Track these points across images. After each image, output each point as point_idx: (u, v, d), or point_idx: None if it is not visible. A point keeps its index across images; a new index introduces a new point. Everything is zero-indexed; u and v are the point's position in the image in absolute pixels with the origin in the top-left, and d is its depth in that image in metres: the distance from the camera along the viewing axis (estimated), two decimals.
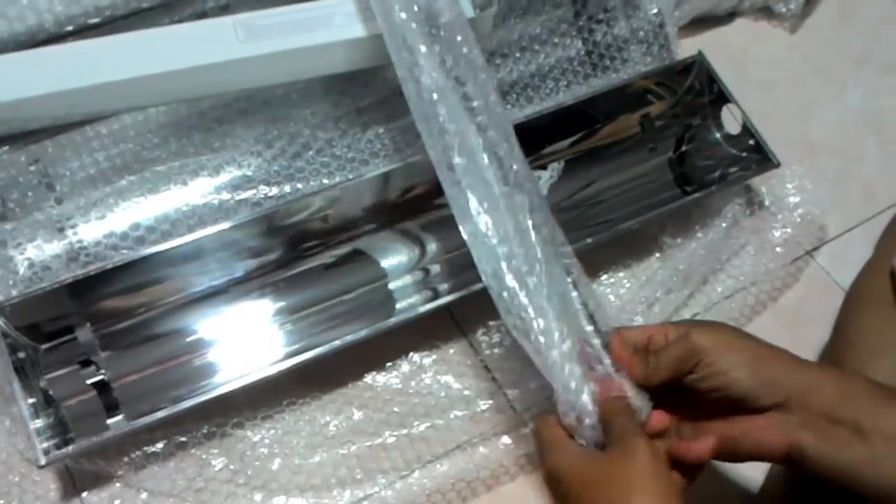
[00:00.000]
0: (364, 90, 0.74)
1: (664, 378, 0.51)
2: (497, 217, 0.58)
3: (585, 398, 0.50)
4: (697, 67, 0.77)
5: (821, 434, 0.48)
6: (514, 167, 0.61)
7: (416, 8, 0.63)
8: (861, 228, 0.79)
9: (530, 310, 0.54)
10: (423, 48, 0.62)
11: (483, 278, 0.57)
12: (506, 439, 0.68)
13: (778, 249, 0.76)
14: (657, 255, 0.76)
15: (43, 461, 0.59)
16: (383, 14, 0.63)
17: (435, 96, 0.61)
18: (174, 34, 0.67)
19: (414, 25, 0.63)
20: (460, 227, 0.58)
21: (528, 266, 0.56)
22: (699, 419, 0.53)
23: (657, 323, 0.55)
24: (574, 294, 0.57)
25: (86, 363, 0.66)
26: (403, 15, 0.63)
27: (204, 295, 0.69)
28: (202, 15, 0.71)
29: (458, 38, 0.63)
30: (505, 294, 0.55)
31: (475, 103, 0.62)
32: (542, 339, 0.53)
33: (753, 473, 0.67)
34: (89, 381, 0.65)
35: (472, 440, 0.67)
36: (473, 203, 0.58)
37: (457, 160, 0.60)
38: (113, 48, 0.65)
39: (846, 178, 0.83)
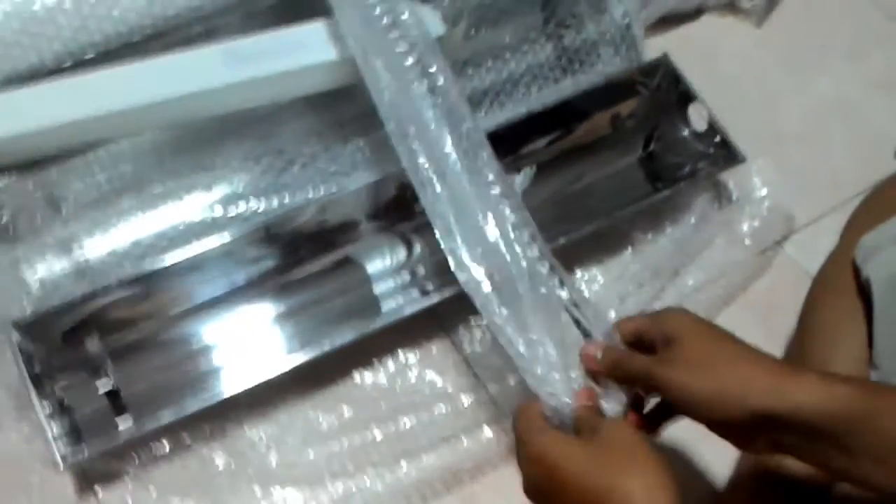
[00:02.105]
0: (344, 106, 0.81)
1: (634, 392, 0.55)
2: (475, 225, 0.64)
3: (567, 402, 0.54)
4: (663, 68, 0.84)
5: (801, 447, 0.50)
6: (490, 174, 0.66)
7: (382, 27, 0.70)
8: (829, 217, 0.85)
9: (513, 323, 0.59)
10: (390, 65, 0.69)
11: (465, 287, 0.62)
12: (488, 432, 0.75)
13: (747, 241, 0.83)
14: (629, 250, 0.83)
15: (61, 464, 0.67)
16: (352, 35, 0.70)
17: (405, 114, 0.67)
18: (164, 65, 0.74)
19: (380, 43, 0.69)
20: (438, 238, 0.64)
21: (510, 273, 0.62)
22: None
23: (644, 317, 0.57)
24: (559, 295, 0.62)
25: (96, 371, 0.74)
26: (370, 35, 0.69)
27: (202, 304, 0.78)
28: (189, 40, 0.78)
29: (425, 51, 0.69)
30: (487, 304, 0.60)
31: (446, 111, 0.68)
32: (525, 351, 0.58)
33: (721, 469, 0.73)
34: (100, 389, 0.73)
35: (455, 433, 0.75)
36: (450, 212, 0.64)
37: (431, 173, 0.66)
38: (107, 81, 0.72)
39: (813, 167, 0.89)
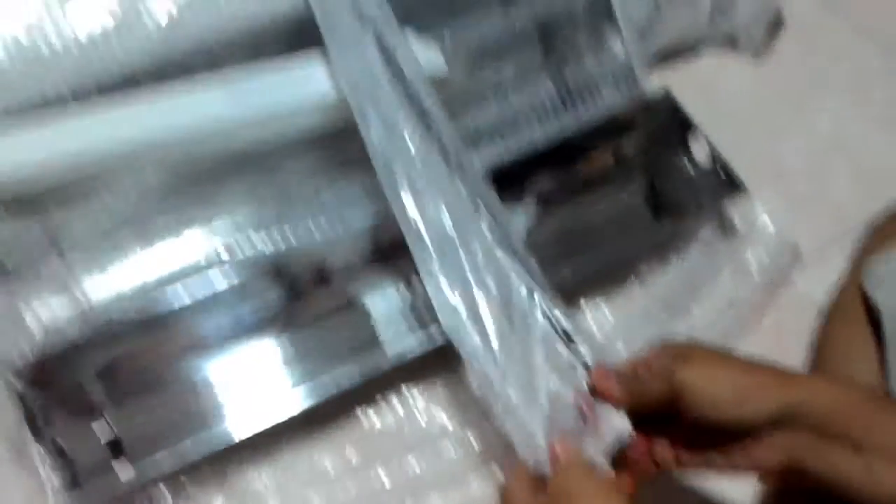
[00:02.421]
0: (349, 142, 0.80)
1: (649, 410, 0.54)
2: (463, 276, 0.64)
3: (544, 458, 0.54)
4: (664, 102, 0.85)
5: (816, 450, 0.51)
6: (483, 219, 0.67)
7: (375, 65, 0.71)
8: (836, 248, 0.85)
9: (497, 374, 0.59)
10: (381, 106, 0.69)
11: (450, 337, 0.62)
12: (499, 473, 0.73)
13: (754, 272, 0.83)
14: (637, 283, 0.82)
15: None
16: (345, 69, 0.72)
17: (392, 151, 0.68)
18: (166, 99, 0.74)
19: (375, 82, 0.70)
20: (422, 277, 0.65)
21: (499, 324, 0.62)
22: (698, 441, 0.55)
23: (642, 352, 0.57)
24: (553, 334, 0.62)
25: (96, 417, 0.72)
26: (363, 73, 0.70)
27: (205, 345, 0.76)
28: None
29: (420, 93, 0.70)
30: (473, 357, 0.61)
31: (440, 151, 0.69)
32: (506, 399, 0.58)
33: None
34: (98, 433, 0.71)
35: (464, 472, 0.73)
36: (436, 254, 0.64)
37: (419, 222, 0.66)
38: (110, 113, 0.72)
39: (818, 199, 0.90)
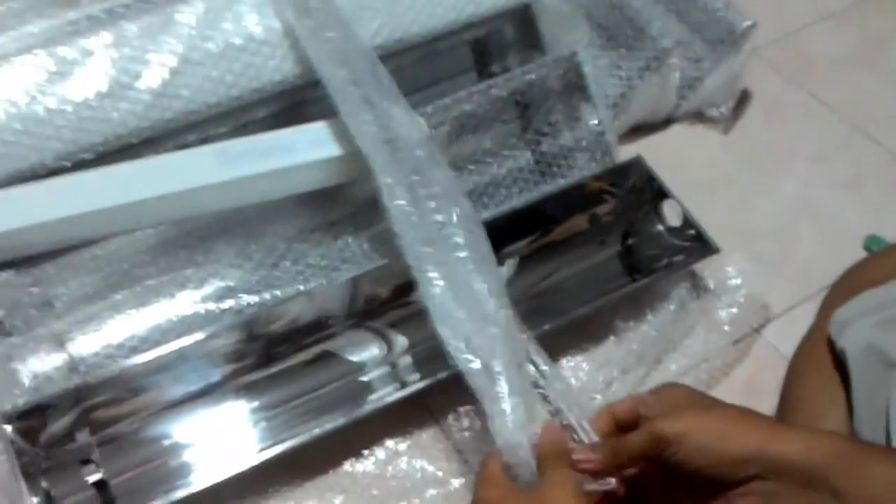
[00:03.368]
0: (334, 204, 0.88)
1: (631, 463, 0.57)
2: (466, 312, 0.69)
3: (525, 443, 0.59)
4: (636, 168, 0.92)
5: (799, 500, 0.52)
6: (480, 253, 0.73)
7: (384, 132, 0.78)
8: (804, 305, 0.91)
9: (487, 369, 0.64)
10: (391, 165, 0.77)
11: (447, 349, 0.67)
12: None
13: (726, 328, 0.89)
14: (612, 338, 0.88)
15: None
16: (359, 138, 0.78)
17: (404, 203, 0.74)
18: (159, 163, 0.81)
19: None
20: (430, 312, 0.69)
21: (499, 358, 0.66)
22: (682, 490, 0.56)
23: (624, 400, 0.61)
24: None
25: (85, 463, 0.76)
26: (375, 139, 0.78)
27: (192, 395, 0.81)
28: (184, 147, 0.85)
29: (421, 153, 0.77)
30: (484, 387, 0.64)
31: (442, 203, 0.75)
32: (493, 392, 0.62)
33: None
34: (89, 480, 0.75)
35: None
36: (443, 291, 0.70)
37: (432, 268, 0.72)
38: (105, 178, 0.79)
39: (786, 260, 0.97)
